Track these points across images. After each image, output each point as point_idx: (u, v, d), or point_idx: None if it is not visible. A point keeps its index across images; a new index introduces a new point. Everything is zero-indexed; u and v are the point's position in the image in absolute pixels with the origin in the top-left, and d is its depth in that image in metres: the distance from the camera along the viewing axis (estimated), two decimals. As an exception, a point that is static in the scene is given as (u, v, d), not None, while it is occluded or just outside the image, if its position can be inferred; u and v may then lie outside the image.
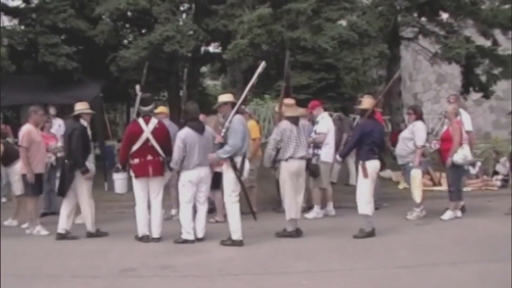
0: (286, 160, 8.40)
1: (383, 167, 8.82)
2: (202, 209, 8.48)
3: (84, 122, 9.17)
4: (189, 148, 8.19)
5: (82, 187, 8.81)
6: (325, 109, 11.12)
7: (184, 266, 7.15)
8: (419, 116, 9.91)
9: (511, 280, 5.92)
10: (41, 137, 9.30)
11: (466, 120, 10.21)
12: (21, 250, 8.09)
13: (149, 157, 8.41)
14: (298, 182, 8.54)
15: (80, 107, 9.19)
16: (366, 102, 8.81)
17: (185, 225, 8.37)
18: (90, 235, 8.89)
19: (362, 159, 8.49)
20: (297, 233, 8.52)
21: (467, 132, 9.90)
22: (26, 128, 8.98)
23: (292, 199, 8.48)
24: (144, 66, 10.22)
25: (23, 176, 8.98)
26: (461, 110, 10.26)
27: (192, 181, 8.33)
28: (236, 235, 8.13)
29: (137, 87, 9.01)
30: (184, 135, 8.31)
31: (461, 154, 9.41)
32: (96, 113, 10.37)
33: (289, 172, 8.44)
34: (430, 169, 12.40)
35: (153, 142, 8.40)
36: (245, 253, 7.78)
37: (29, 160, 8.84)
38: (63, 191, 8.85)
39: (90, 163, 9.29)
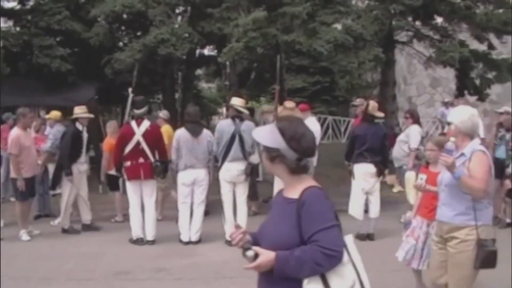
0: None
1: (381, 172, 8.71)
2: (197, 211, 8.49)
3: (79, 126, 9.35)
4: (180, 149, 8.29)
5: (66, 187, 9.26)
6: (320, 112, 11.19)
7: (179, 269, 7.15)
8: (416, 120, 10.03)
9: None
10: (31, 140, 9.21)
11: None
12: (16, 252, 8.07)
13: (141, 160, 8.43)
14: None
15: (77, 111, 9.47)
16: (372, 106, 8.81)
17: (180, 226, 8.42)
18: (63, 230, 9.35)
19: (351, 162, 8.61)
20: None
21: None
22: (15, 134, 8.80)
23: None
24: (137, 69, 10.24)
25: (13, 180, 8.92)
26: None
27: (185, 183, 8.37)
28: (227, 234, 8.26)
29: (130, 89, 9.10)
30: (178, 136, 8.42)
31: None
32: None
33: None
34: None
35: (144, 145, 8.43)
36: (239, 256, 7.76)
37: (19, 166, 8.76)
38: (53, 187, 9.84)
39: (83, 165, 9.48)
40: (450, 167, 4.24)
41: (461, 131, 4.38)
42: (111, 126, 10.55)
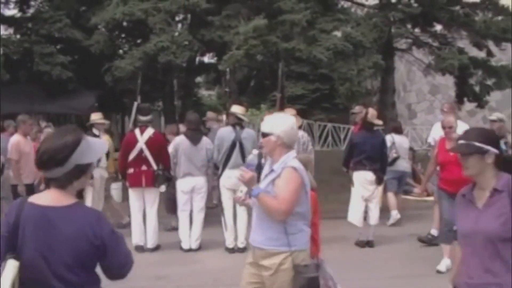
0: None
1: (381, 179, 8.71)
2: (197, 219, 8.51)
3: (96, 132, 9.58)
4: (178, 156, 8.31)
5: (89, 192, 9.34)
6: (319, 120, 11.24)
7: (179, 276, 7.15)
8: (392, 129, 10.62)
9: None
10: (31, 147, 9.25)
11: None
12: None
13: (144, 168, 8.45)
14: None
15: (94, 117, 9.75)
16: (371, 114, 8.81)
17: (180, 234, 8.43)
18: None
19: (350, 170, 8.65)
20: None
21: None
22: (15, 140, 8.86)
23: None
24: (138, 76, 10.30)
25: (13, 187, 8.93)
26: (460, 122, 8.52)
27: (183, 191, 8.40)
28: (227, 242, 8.35)
29: (138, 96, 9.18)
30: (176, 142, 8.46)
31: None
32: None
33: None
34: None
35: (146, 152, 8.44)
36: (240, 263, 7.73)
37: (19, 172, 8.79)
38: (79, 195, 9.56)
39: (105, 170, 9.70)
40: (248, 184, 3.81)
41: (284, 143, 3.88)
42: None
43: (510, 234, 2.94)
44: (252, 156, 4.09)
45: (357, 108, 10.71)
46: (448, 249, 6.86)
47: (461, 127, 7.70)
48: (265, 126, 3.97)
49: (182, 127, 9.96)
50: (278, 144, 3.88)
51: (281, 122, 3.93)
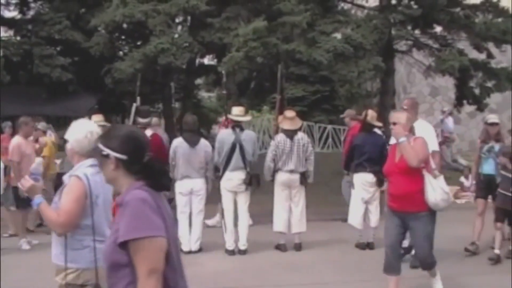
0: (276, 171, 8.47)
1: (381, 181, 8.66)
2: (196, 221, 8.48)
3: None
4: (177, 158, 8.28)
5: None
6: (320, 121, 11.22)
7: (178, 279, 7.13)
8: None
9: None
10: (32, 148, 9.24)
11: (430, 137, 6.55)
12: (15, 263, 8.05)
13: None
14: (291, 194, 8.55)
15: (94, 119, 9.59)
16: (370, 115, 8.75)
17: (180, 236, 8.41)
18: None
19: (351, 172, 8.62)
20: (295, 247, 8.54)
21: (432, 153, 6.23)
22: (16, 141, 8.85)
23: (279, 211, 8.52)
24: (137, 78, 10.31)
25: (14, 189, 8.90)
26: (421, 122, 7.28)
27: (182, 193, 8.37)
28: (227, 244, 8.31)
29: (138, 98, 9.18)
30: (174, 144, 8.43)
31: (440, 190, 5.55)
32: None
33: (277, 183, 8.51)
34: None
35: None
36: (239, 265, 7.78)
37: (21, 173, 8.76)
38: None
39: None
40: (29, 193, 3.60)
41: (77, 152, 3.69)
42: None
43: (121, 259, 2.47)
44: (36, 165, 3.99)
45: (345, 113, 10.81)
46: (394, 280, 5.79)
47: (424, 127, 6.82)
48: (66, 134, 3.77)
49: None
50: (74, 152, 3.71)
51: (75, 130, 3.73)
